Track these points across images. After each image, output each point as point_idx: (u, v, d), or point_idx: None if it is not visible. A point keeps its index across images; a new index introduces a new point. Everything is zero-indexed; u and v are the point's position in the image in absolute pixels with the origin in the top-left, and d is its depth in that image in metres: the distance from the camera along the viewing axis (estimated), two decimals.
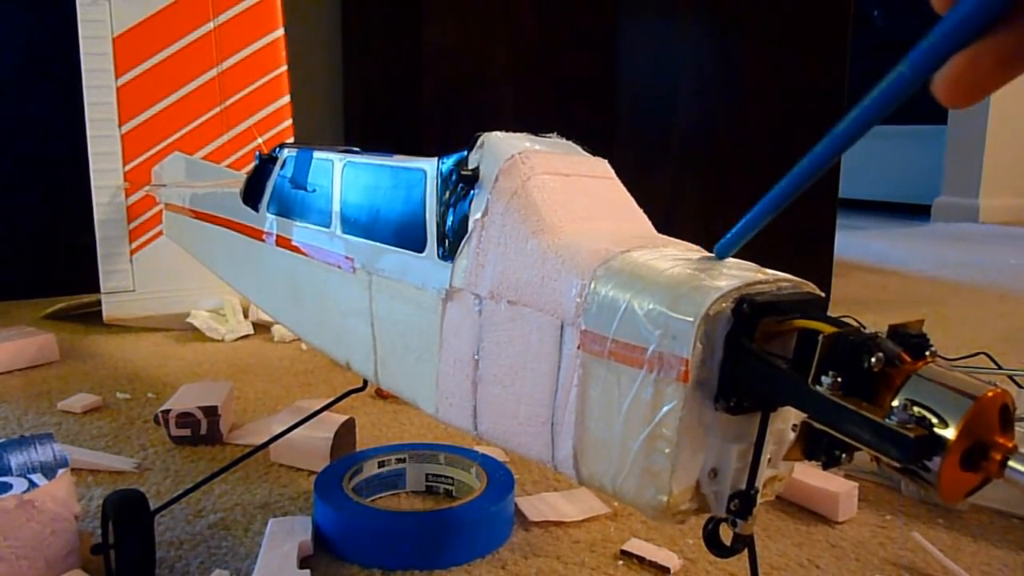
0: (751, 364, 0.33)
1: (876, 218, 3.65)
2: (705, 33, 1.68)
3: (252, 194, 0.69)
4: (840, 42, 1.62)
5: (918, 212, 3.76)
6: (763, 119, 1.61)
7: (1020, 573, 0.65)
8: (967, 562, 0.66)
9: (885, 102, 0.27)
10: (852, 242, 2.72)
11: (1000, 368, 1.15)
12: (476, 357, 0.44)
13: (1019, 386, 1.04)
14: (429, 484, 0.76)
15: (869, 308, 1.65)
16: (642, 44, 1.68)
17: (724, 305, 0.33)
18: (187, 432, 0.87)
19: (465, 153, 0.46)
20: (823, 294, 0.36)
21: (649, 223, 0.46)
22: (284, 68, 1.41)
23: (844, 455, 0.33)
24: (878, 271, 2.21)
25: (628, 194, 0.47)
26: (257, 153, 0.71)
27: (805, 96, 1.62)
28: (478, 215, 0.44)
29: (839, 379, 0.30)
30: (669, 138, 1.69)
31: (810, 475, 0.74)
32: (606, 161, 0.49)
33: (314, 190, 0.60)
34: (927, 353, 0.31)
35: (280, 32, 1.40)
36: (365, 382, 0.60)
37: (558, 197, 0.43)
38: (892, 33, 3.75)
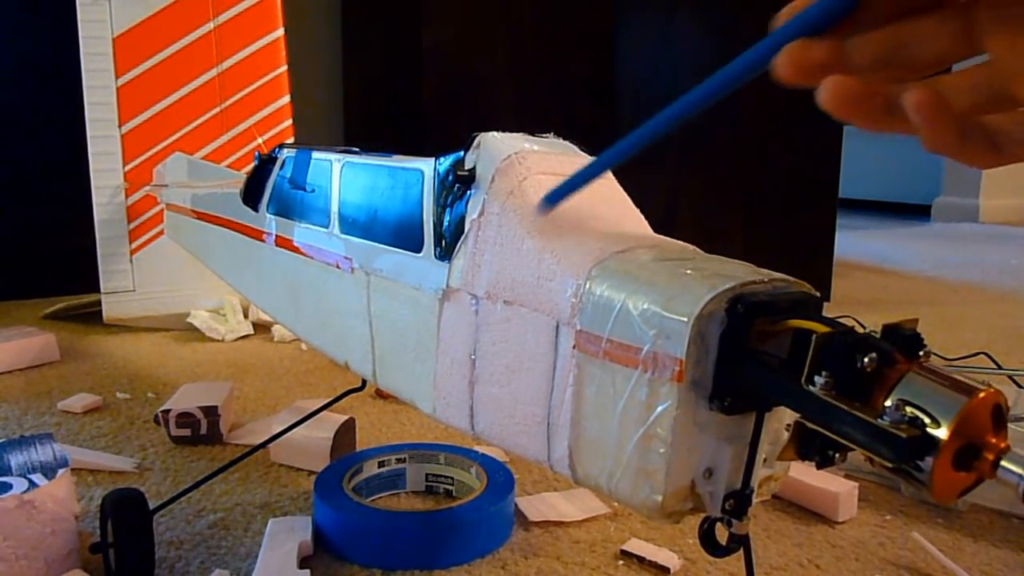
0: (745, 364, 0.33)
1: (876, 218, 3.64)
2: (705, 33, 1.68)
3: (252, 194, 0.70)
4: None
5: (918, 212, 3.75)
6: (763, 119, 1.61)
7: (1020, 573, 0.65)
8: (967, 562, 0.66)
9: (741, 71, 0.33)
10: (852, 242, 2.72)
11: (1000, 368, 1.14)
12: (473, 357, 0.44)
13: (1019, 386, 1.04)
14: (429, 484, 0.76)
15: (869, 308, 1.65)
16: (642, 43, 1.68)
17: (718, 305, 0.33)
18: (187, 432, 0.87)
19: (462, 153, 0.46)
20: (818, 293, 0.36)
21: (645, 222, 0.47)
22: (284, 68, 1.41)
23: (837, 455, 0.33)
24: (878, 271, 2.20)
25: (624, 193, 0.47)
26: (256, 153, 0.71)
27: (804, 95, 1.61)
28: (475, 215, 0.44)
29: (832, 379, 0.30)
30: (669, 138, 1.69)
31: (810, 475, 0.74)
32: None
33: (313, 190, 0.60)
34: (921, 353, 0.31)
35: (280, 32, 1.41)
36: (364, 382, 0.60)
37: None
38: None
